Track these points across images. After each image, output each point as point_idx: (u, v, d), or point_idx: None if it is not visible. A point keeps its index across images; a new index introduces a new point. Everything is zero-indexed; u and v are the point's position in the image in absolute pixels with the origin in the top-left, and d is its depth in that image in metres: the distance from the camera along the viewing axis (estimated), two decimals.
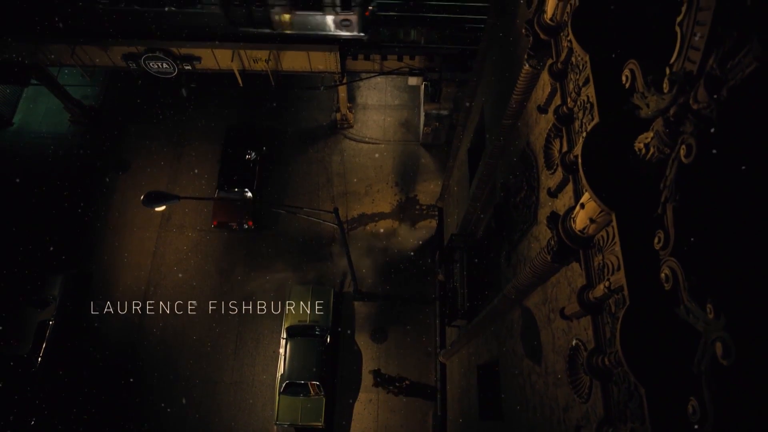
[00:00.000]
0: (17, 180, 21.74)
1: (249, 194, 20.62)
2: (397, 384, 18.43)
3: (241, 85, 19.06)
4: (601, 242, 4.70)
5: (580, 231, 4.92)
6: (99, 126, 23.41)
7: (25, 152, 22.70)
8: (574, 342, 5.41)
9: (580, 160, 3.99)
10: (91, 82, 23.62)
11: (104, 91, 24.35)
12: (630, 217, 4.06)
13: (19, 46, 17.78)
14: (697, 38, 3.15)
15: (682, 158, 3.20)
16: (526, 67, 7.09)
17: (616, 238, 4.05)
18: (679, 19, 3.38)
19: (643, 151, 3.70)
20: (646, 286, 3.75)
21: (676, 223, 3.33)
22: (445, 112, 20.52)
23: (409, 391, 18.49)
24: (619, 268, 4.28)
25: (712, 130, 2.98)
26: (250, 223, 20.52)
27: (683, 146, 3.18)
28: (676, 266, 3.23)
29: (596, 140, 4.13)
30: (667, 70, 3.50)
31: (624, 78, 4.01)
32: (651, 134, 3.63)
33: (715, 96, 2.90)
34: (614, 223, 4.03)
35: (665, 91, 3.44)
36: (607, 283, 4.43)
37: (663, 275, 3.36)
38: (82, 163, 22.48)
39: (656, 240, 3.48)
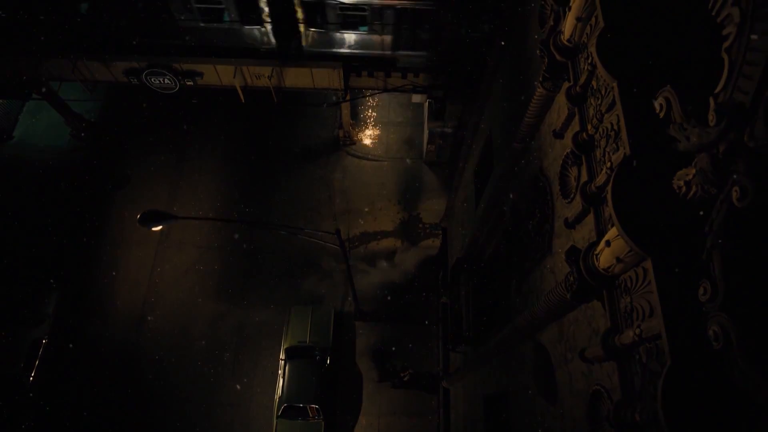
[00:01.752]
0: (16, 193, 21.43)
1: None
2: (402, 374, 17.87)
3: (243, 101, 18.81)
4: (628, 283, 4.29)
5: (604, 269, 4.52)
6: (99, 140, 23.16)
7: (25, 166, 22.41)
8: (595, 388, 4.98)
9: (610, 197, 3.60)
10: (93, 97, 23.42)
11: (105, 105, 24.15)
12: (666, 260, 3.67)
13: (21, 60, 17.59)
14: (749, 66, 2.79)
15: (735, 201, 2.81)
16: (540, 89, 6.75)
17: (652, 285, 3.64)
18: (726, 44, 3.02)
19: (684, 189, 3.31)
20: (688, 339, 3.35)
21: (726, 273, 2.94)
22: (449, 130, 20.22)
23: (412, 396, 17.94)
24: (651, 315, 3.87)
25: None
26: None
27: (736, 188, 2.80)
28: (728, 324, 2.84)
29: (627, 174, 3.75)
30: (711, 101, 3.13)
31: (657, 107, 3.65)
32: (693, 171, 3.25)
33: None
34: (650, 270, 3.63)
35: (711, 124, 3.07)
36: (637, 330, 4.02)
37: (711, 332, 2.96)
38: (82, 178, 22.17)
39: (701, 291, 3.08)
